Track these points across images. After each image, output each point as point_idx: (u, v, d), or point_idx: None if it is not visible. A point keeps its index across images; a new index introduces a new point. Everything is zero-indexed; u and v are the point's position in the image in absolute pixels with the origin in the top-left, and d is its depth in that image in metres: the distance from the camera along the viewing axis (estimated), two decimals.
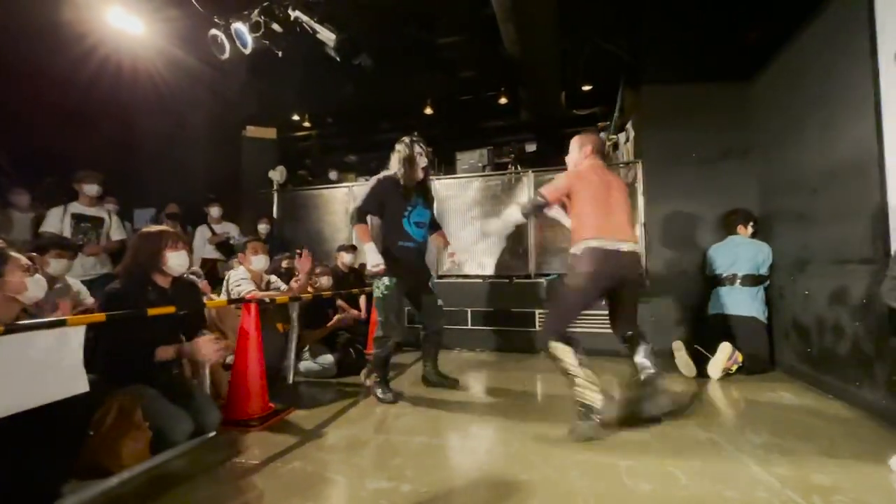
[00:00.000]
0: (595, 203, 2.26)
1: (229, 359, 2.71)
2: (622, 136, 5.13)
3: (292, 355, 3.10)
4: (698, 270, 3.77)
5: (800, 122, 3.01)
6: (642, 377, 2.25)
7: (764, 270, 3.37)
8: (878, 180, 2.18)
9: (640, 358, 2.29)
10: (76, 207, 3.59)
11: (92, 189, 3.61)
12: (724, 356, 3.11)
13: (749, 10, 3.63)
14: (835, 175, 2.63)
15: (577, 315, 2.28)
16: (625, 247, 2.22)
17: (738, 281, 3.38)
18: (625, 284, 2.28)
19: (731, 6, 3.74)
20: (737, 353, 3.15)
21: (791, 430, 2.14)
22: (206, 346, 2.08)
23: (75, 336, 1.60)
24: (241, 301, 2.55)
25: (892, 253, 2.03)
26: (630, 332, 2.35)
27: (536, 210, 2.40)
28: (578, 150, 2.49)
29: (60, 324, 1.56)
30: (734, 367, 3.16)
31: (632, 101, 4.73)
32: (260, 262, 3.13)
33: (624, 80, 5.04)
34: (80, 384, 1.58)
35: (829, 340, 2.70)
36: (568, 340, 2.15)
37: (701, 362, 3.21)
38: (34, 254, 2.30)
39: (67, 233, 3.46)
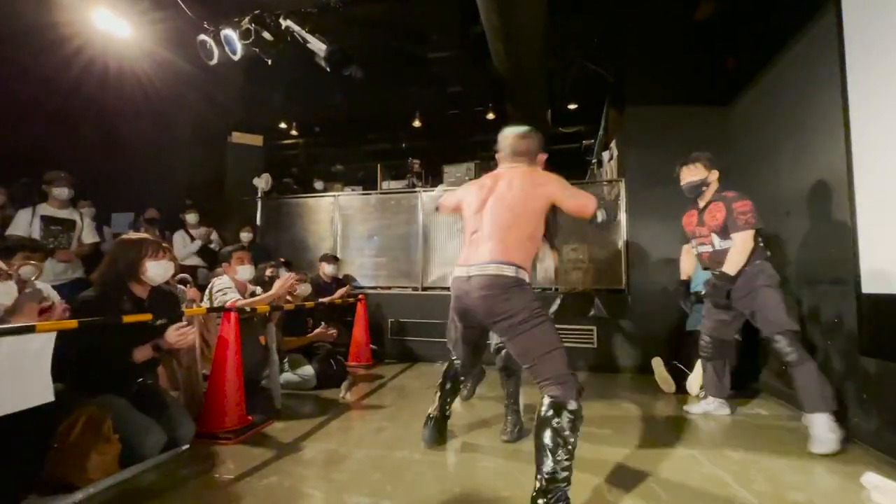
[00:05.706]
0: (468, 220, 1.87)
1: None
2: (606, 155, 5.25)
3: (276, 374, 2.86)
4: (679, 287, 3.83)
5: (774, 145, 3.13)
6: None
7: None
8: (847, 205, 2.26)
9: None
10: (45, 209, 3.44)
11: (62, 193, 3.47)
12: (700, 372, 3.15)
13: (727, 36, 3.79)
14: (807, 198, 2.73)
15: (457, 346, 2.06)
16: (474, 271, 1.68)
17: None
18: (485, 320, 1.72)
19: (711, 32, 3.90)
20: None
21: (767, 447, 2.17)
22: (170, 334, 2.02)
23: (43, 344, 1.53)
24: (221, 310, 2.49)
25: None
26: (549, 398, 1.53)
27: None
28: None
29: (29, 330, 1.50)
30: None
31: (615, 120, 4.85)
32: (245, 272, 3.06)
33: (608, 100, 5.18)
34: (45, 394, 1.51)
35: None
36: (451, 369, 2.25)
37: (680, 378, 3.25)
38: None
39: (37, 235, 3.29)
